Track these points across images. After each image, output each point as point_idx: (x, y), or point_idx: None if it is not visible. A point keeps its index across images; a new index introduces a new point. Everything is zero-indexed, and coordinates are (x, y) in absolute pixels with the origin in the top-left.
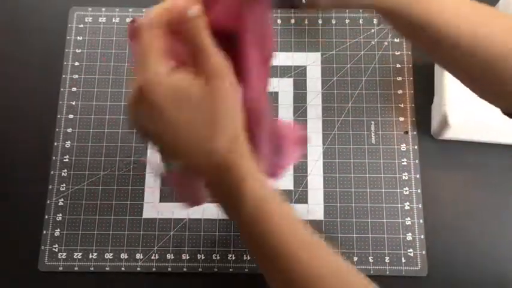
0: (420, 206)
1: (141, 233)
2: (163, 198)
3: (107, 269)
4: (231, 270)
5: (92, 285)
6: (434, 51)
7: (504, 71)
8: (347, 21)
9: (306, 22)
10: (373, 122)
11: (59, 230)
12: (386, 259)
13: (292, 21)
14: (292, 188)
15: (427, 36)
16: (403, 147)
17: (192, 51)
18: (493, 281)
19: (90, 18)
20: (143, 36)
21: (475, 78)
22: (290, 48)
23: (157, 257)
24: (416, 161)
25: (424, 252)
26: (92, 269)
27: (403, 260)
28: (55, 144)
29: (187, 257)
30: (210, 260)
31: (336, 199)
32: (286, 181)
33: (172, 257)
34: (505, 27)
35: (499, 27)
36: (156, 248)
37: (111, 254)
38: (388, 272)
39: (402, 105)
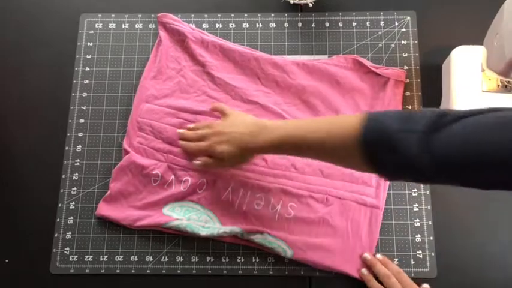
0: (429, 207)
1: (151, 235)
2: None
3: (117, 271)
4: (240, 272)
5: (102, 287)
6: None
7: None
8: (354, 24)
9: (313, 25)
10: None
11: (70, 233)
12: (396, 261)
13: (300, 24)
14: None
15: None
16: None
17: None
18: (502, 283)
19: (100, 24)
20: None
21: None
22: (297, 52)
23: (167, 259)
24: None
25: (433, 253)
26: (102, 271)
27: (412, 262)
28: (66, 148)
29: (197, 260)
30: (219, 262)
31: None
32: None
33: (182, 260)
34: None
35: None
36: (165, 250)
37: (122, 257)
38: None
39: (410, 107)
